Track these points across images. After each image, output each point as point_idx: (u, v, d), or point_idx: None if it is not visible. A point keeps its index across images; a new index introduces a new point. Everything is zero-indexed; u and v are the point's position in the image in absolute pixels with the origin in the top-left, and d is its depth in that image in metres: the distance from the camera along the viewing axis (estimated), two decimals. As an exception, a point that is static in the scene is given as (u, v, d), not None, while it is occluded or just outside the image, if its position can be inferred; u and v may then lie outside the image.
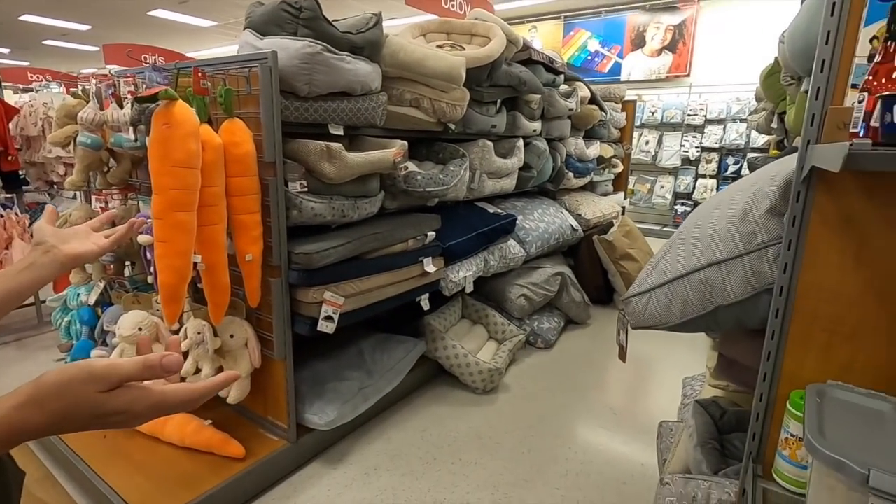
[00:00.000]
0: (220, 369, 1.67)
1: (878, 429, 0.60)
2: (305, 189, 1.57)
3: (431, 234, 2.04)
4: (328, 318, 1.60)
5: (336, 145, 1.57)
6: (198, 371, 1.64)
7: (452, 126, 2.23)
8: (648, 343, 2.65)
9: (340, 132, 1.69)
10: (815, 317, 0.86)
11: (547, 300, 2.81)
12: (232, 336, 1.60)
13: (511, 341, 2.47)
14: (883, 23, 0.70)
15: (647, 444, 1.83)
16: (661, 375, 2.44)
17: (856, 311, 0.83)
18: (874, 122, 0.62)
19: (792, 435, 0.85)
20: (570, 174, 3.36)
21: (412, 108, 2.03)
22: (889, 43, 0.65)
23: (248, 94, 1.46)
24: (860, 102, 0.66)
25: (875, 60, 0.67)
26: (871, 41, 0.75)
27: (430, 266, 1.99)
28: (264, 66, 1.41)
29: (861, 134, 0.64)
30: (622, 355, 1.18)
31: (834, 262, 0.83)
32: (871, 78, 0.67)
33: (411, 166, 2.02)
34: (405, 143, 1.84)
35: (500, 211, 2.62)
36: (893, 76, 0.64)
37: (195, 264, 1.41)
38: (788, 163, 0.95)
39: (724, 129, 5.59)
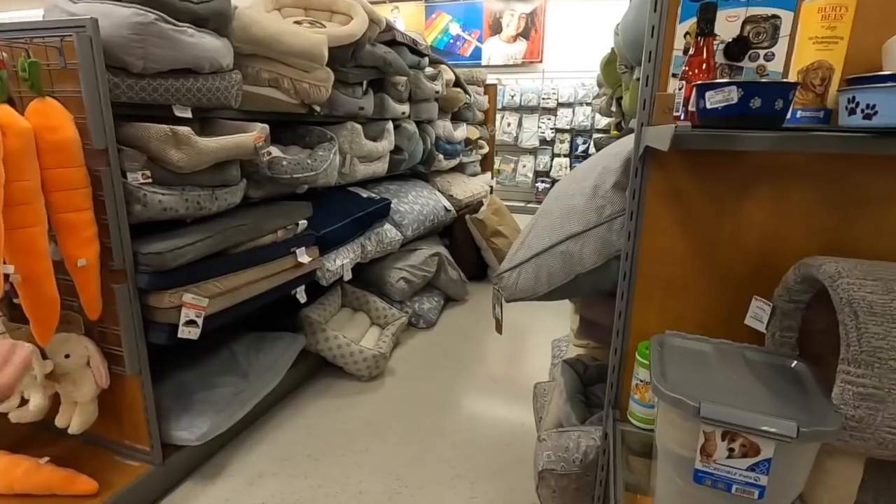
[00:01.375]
0: (55, 396, 1.41)
1: (703, 367, 0.72)
2: (149, 180, 1.38)
3: (303, 223, 1.94)
4: (190, 322, 1.44)
5: (184, 129, 1.39)
6: (24, 402, 1.37)
7: (318, 108, 2.12)
8: (520, 313, 2.86)
9: (188, 114, 1.50)
10: (655, 277, 0.99)
11: (426, 281, 2.87)
12: (67, 356, 1.37)
13: (394, 325, 2.48)
14: (694, 20, 0.81)
15: (525, 405, 1.98)
16: (534, 341, 2.65)
17: (684, 270, 0.97)
18: (692, 107, 0.72)
19: (641, 381, 0.98)
20: (441, 156, 3.43)
21: (272, 89, 1.89)
22: (699, 38, 0.76)
23: (62, 70, 1.23)
24: (680, 90, 0.76)
25: (689, 53, 0.78)
26: (685, 36, 0.87)
27: (303, 256, 1.90)
28: (81, 36, 1.19)
29: (682, 117, 0.75)
30: (498, 328, 1.26)
31: (667, 229, 0.97)
32: (686, 69, 0.78)
33: (275, 151, 1.89)
34: (266, 126, 1.71)
35: (373, 195, 2.59)
36: (703, 67, 0.75)
37: (6, 276, 1.16)
38: (627, 142, 1.07)
39: (574, 111, 6.15)
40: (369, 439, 1.79)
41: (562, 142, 6.32)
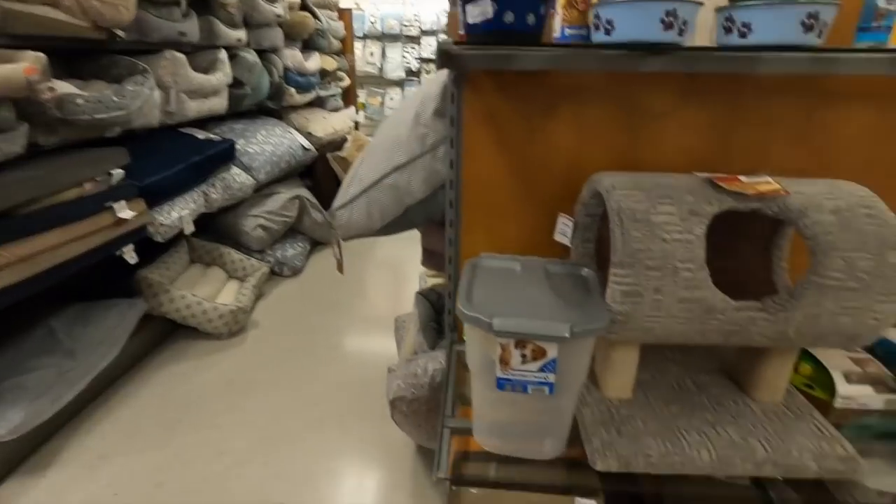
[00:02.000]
0: None
1: (508, 284, 0.76)
2: None
3: (118, 172, 1.67)
4: (-29, 301, 1.20)
5: None
6: None
7: (121, 33, 1.78)
8: (396, 248, 2.86)
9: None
10: (478, 203, 1.01)
11: (287, 226, 2.72)
12: None
13: (254, 276, 2.34)
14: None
15: (393, 340, 2.03)
16: (404, 275, 2.69)
17: (503, 193, 1.00)
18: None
19: (471, 303, 1.02)
20: (292, 90, 3.16)
21: (48, 8, 1.53)
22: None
23: None
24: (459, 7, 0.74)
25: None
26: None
27: (124, 211, 1.65)
28: None
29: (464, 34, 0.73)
30: (339, 267, 1.23)
31: (486, 153, 0.98)
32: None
33: (65, 87, 1.56)
34: (42, 55, 1.39)
35: (213, 137, 2.32)
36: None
37: None
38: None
39: (437, 39, 6.01)
40: (231, 398, 1.71)
41: (428, 72, 6.19)
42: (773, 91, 0.89)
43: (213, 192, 2.21)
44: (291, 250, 2.69)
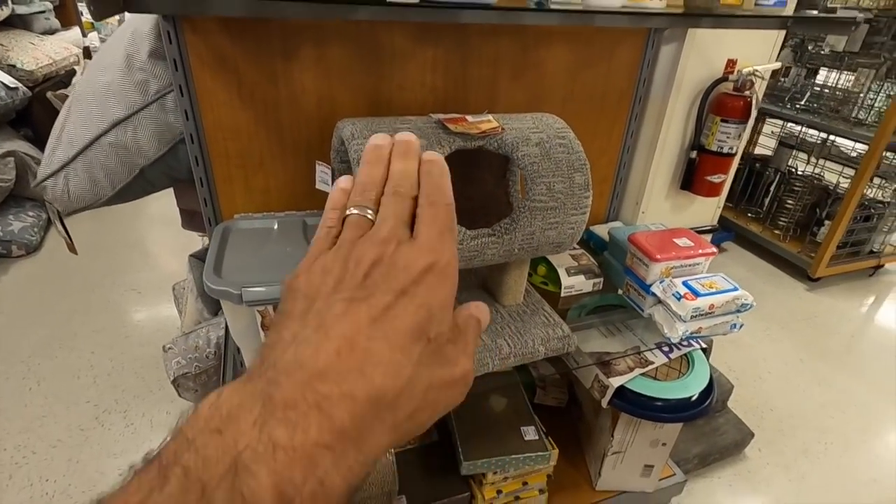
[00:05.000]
0: None
1: (264, 245, 0.74)
2: None
3: None
4: None
5: None
6: None
7: None
8: (170, 199, 2.48)
9: None
10: (228, 155, 0.92)
11: (5, 193, 2.13)
12: None
13: (-34, 264, 1.81)
14: None
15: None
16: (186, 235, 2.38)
17: (256, 144, 0.93)
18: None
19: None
20: (-34, 6, 2.33)
21: None
22: None
23: None
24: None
25: None
26: None
27: None
28: None
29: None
30: (70, 247, 1.02)
31: (225, 100, 0.88)
32: None
33: None
34: None
35: None
36: None
37: None
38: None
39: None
40: (-37, 421, 1.37)
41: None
42: (495, 34, 0.98)
43: None
44: (18, 223, 2.13)
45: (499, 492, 1.05)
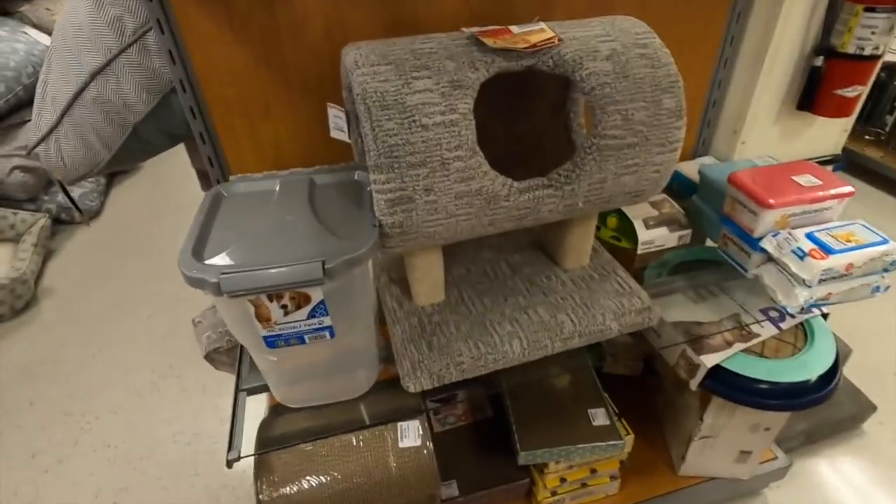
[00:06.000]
0: None
1: (260, 214, 0.60)
2: None
3: None
4: None
5: None
6: None
7: None
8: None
9: None
10: (228, 103, 0.78)
11: (61, 161, 2.16)
12: None
13: (32, 234, 1.87)
14: None
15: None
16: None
17: (258, 87, 0.78)
18: None
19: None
20: (3, -30, 2.30)
21: None
22: None
23: None
24: None
25: None
26: None
27: None
28: None
29: None
30: (83, 218, 0.95)
31: (215, 36, 0.73)
32: None
33: None
34: None
35: None
36: None
37: None
38: None
39: None
40: (34, 387, 1.42)
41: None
42: None
43: (-85, 137, 1.61)
44: (78, 189, 2.17)
45: (563, 479, 0.91)
